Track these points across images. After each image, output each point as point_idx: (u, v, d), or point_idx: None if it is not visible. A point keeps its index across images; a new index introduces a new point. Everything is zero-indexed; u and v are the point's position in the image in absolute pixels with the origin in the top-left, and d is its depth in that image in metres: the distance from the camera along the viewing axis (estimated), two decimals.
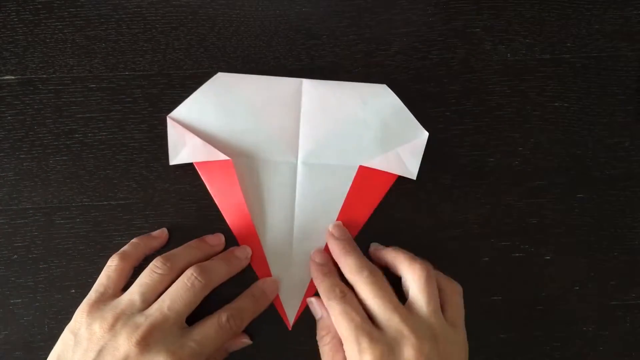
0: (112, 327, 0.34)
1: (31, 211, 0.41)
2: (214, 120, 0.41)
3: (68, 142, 0.41)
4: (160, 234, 0.40)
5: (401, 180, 0.41)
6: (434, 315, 0.35)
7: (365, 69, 0.42)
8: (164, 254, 0.37)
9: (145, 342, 0.33)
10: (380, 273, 0.37)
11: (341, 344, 0.36)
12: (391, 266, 0.38)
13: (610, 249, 0.42)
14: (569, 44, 0.43)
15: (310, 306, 0.40)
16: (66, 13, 0.42)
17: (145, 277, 0.36)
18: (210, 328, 0.36)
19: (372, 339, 0.33)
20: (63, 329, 0.35)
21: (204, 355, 0.35)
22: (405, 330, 0.34)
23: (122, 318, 0.34)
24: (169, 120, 0.41)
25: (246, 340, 0.39)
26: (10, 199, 0.41)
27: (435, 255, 0.39)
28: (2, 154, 0.41)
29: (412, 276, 0.36)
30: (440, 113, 0.42)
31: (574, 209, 0.42)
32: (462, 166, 0.42)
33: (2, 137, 0.41)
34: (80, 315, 0.35)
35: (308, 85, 0.41)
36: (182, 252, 0.38)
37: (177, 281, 0.36)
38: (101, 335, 0.34)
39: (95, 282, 0.37)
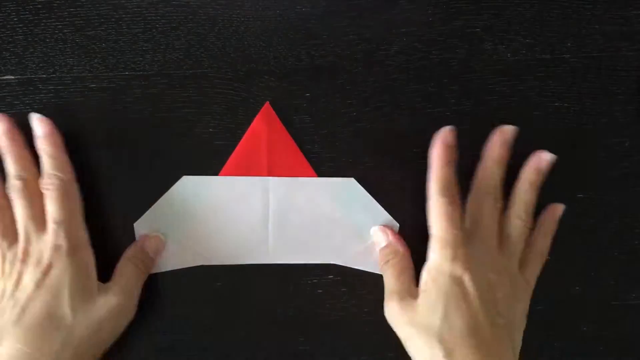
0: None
1: None
2: (181, 226, 0.40)
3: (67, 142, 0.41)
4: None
5: (400, 179, 0.41)
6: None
7: (365, 69, 0.42)
8: None
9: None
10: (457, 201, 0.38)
11: (409, 266, 0.38)
12: None
13: (610, 249, 0.42)
14: (569, 44, 0.43)
15: (376, 235, 0.40)
16: (66, 13, 0.42)
17: (17, 208, 0.37)
18: None
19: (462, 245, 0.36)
20: None
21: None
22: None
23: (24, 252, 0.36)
24: (135, 230, 0.40)
25: (161, 237, 0.40)
26: None
27: None
28: None
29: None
30: (440, 113, 0.42)
31: (574, 209, 0.42)
32: (462, 166, 0.42)
33: None
34: None
35: (275, 183, 0.40)
36: None
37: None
38: (11, 271, 0.36)
39: None
